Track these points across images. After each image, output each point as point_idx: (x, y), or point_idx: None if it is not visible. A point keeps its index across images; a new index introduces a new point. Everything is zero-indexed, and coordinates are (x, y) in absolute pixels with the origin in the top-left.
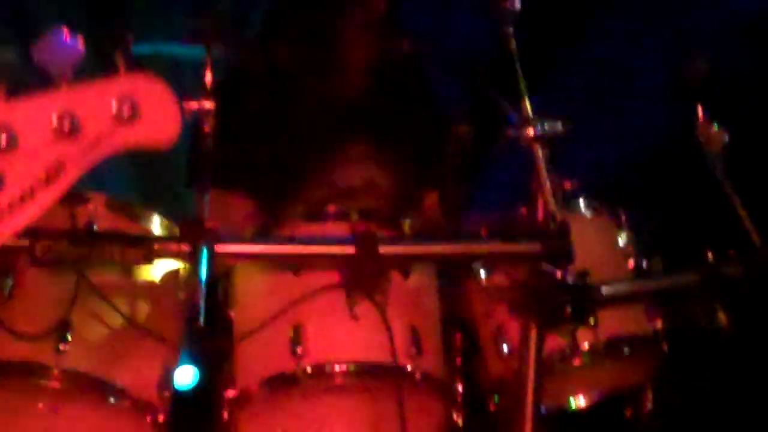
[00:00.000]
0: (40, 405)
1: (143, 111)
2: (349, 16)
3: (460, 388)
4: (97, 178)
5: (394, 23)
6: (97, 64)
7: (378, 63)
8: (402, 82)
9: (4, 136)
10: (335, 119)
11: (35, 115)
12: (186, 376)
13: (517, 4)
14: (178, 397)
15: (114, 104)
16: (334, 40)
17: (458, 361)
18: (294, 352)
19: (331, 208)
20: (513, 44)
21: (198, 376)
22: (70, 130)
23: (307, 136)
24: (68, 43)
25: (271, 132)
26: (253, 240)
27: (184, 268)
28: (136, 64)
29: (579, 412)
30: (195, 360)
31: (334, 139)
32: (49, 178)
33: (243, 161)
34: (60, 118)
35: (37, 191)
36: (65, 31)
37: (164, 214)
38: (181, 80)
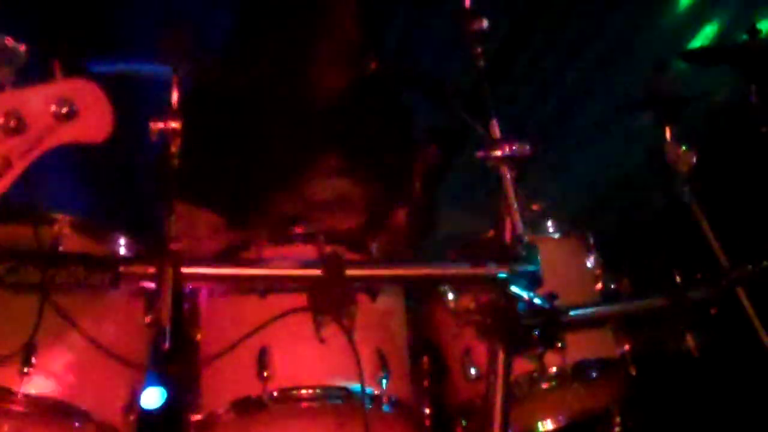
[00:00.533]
0: (5, 427)
1: (80, 110)
2: (321, 40)
3: (427, 411)
4: (62, 198)
5: (367, 47)
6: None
7: (348, 81)
8: (372, 98)
9: None
10: (305, 134)
11: None
12: (153, 398)
13: (485, 25)
14: (144, 419)
15: (54, 105)
16: (305, 61)
17: (426, 384)
18: (260, 376)
19: (299, 230)
20: (482, 64)
21: (165, 398)
22: (16, 128)
23: (277, 150)
24: (10, 50)
25: (241, 147)
26: (220, 262)
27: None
28: (73, 71)
29: None
30: (161, 382)
31: (305, 153)
32: None
33: (212, 176)
34: (6, 118)
35: None
36: (7, 39)
37: (131, 234)
38: (147, 99)
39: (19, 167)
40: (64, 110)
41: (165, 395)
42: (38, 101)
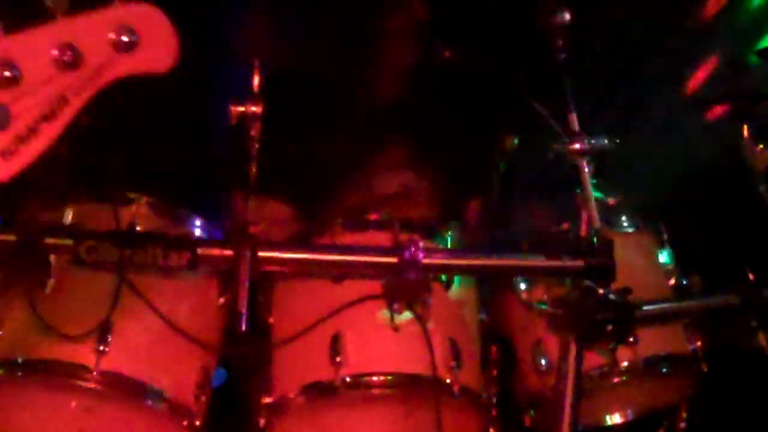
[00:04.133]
0: (73, 403)
1: (141, 38)
2: (389, 21)
3: (495, 401)
4: (139, 179)
5: (434, 30)
6: None
7: (418, 69)
8: (442, 89)
9: (6, 71)
10: (374, 125)
11: (35, 49)
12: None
13: (566, 18)
14: (213, 400)
15: (112, 33)
16: (373, 45)
17: (494, 373)
18: (333, 361)
19: (373, 217)
20: (561, 57)
21: (224, 377)
22: (71, 61)
23: (346, 141)
24: None
25: (310, 137)
26: (297, 247)
27: (226, 272)
28: None
29: (613, 429)
30: (229, 364)
31: (373, 145)
32: (53, 112)
33: (282, 166)
34: (60, 51)
35: (41, 125)
36: None
37: (207, 217)
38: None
39: (76, 105)
40: (124, 39)
41: (226, 373)
42: (94, 30)
